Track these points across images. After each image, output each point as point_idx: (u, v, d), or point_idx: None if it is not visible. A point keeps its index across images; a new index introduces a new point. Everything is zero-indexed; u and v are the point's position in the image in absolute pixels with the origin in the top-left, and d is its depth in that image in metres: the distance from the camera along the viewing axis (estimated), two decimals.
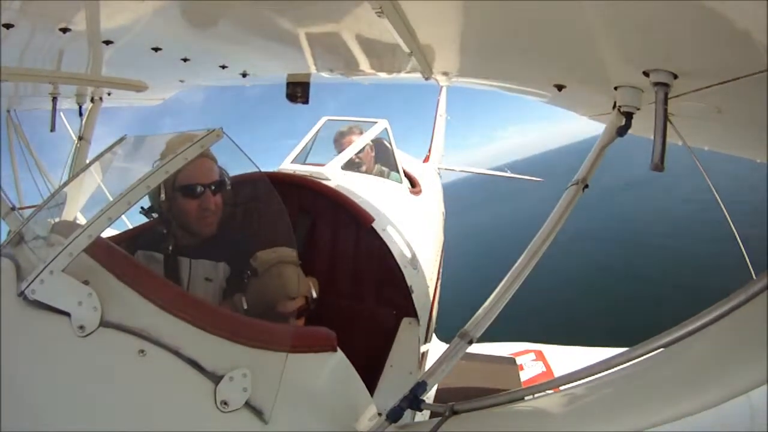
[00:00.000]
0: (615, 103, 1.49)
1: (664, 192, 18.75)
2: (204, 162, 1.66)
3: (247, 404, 0.99)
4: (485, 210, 25.57)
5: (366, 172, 3.22)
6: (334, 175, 2.75)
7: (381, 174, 3.35)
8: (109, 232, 1.33)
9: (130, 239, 1.75)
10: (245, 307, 1.49)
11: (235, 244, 1.70)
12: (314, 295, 1.72)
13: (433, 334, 3.24)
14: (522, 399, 1.23)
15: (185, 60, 2.29)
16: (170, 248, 1.64)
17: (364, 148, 3.24)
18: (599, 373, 1.08)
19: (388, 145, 3.49)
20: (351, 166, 3.06)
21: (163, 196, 1.59)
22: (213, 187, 1.66)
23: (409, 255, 2.47)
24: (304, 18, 1.69)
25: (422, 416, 1.52)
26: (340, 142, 3.36)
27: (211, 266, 1.66)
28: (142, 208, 1.66)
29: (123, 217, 1.16)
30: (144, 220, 1.72)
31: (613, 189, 19.85)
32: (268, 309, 1.57)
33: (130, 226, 1.94)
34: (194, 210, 1.64)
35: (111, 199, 1.12)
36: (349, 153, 3.02)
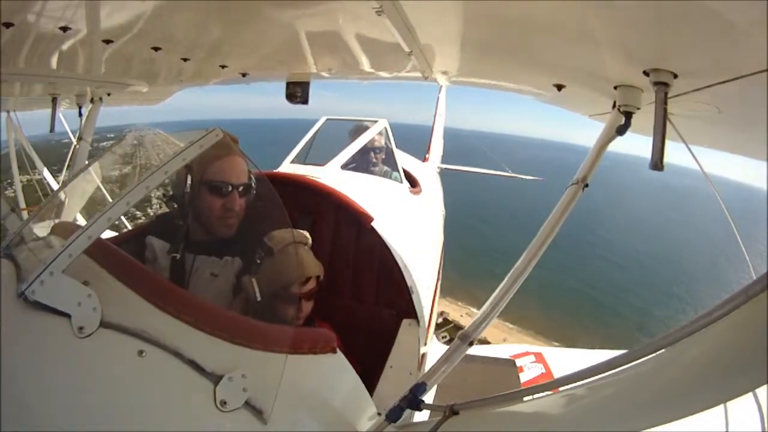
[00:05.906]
0: (615, 102, 1.49)
1: None
2: (237, 161, 1.64)
3: (247, 404, 0.99)
4: None
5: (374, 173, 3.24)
6: (334, 174, 2.74)
7: (383, 174, 3.35)
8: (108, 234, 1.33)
9: (144, 229, 1.74)
10: (257, 287, 1.47)
11: (241, 242, 1.69)
12: (322, 277, 1.74)
13: (433, 336, 3.24)
14: (521, 399, 1.23)
15: (185, 60, 2.29)
16: (181, 242, 1.62)
17: (381, 148, 3.27)
18: (599, 374, 1.08)
19: (388, 144, 3.50)
20: (363, 166, 3.09)
21: (188, 187, 1.56)
22: (241, 189, 1.64)
23: (409, 255, 2.47)
24: (304, 18, 1.69)
25: (422, 416, 1.52)
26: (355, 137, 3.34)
27: (218, 262, 1.65)
28: (164, 195, 1.63)
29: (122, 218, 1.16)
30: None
31: None
32: (283, 288, 1.57)
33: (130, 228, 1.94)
34: (218, 208, 1.62)
35: (111, 200, 1.12)
36: (349, 153, 3.02)
